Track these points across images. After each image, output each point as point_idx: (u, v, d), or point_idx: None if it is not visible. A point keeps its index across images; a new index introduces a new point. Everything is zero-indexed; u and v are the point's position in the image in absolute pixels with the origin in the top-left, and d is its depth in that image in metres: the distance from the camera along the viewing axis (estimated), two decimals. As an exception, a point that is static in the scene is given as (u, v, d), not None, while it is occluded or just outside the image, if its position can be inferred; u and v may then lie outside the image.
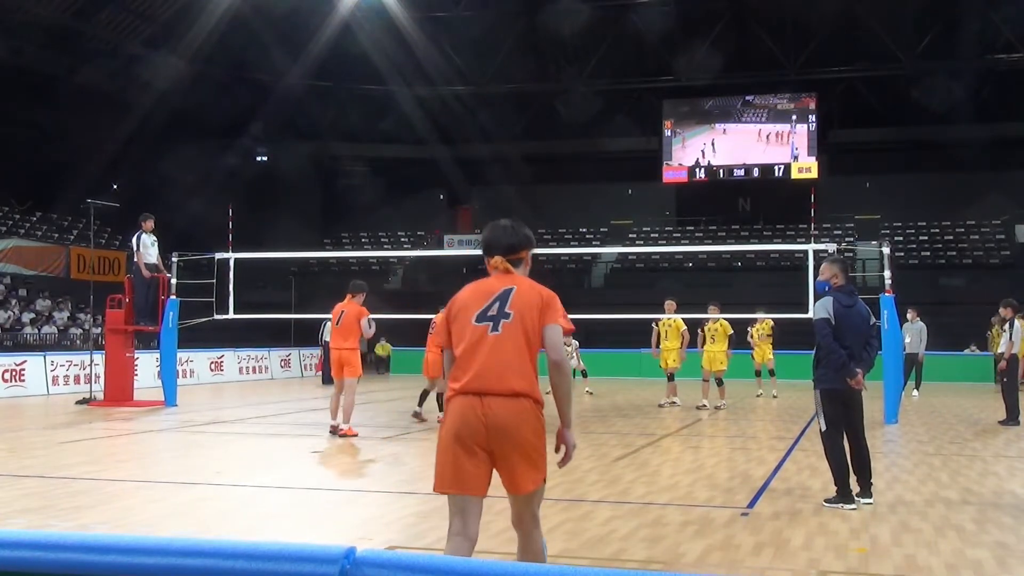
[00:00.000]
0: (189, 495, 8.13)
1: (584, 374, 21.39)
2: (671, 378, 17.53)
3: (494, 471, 4.19)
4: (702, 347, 17.44)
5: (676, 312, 17.29)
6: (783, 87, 37.79)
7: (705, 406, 16.85)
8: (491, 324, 4.17)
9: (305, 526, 7.03)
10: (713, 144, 38.89)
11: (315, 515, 7.55)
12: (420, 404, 14.58)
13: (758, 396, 19.72)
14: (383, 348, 31.50)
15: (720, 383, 17.26)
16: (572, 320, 4.53)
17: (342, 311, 12.37)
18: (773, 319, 19.47)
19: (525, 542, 4.31)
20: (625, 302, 26.69)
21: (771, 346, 19.65)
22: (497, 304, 4.21)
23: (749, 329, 19.72)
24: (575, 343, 21.51)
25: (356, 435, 12.20)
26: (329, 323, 14.30)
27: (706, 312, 17.42)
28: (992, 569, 5.68)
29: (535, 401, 4.18)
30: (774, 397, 19.34)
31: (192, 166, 33.72)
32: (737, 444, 12.37)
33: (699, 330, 17.77)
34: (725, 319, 17.38)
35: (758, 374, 20.18)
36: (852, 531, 6.70)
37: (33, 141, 31.71)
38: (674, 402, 17.51)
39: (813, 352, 7.74)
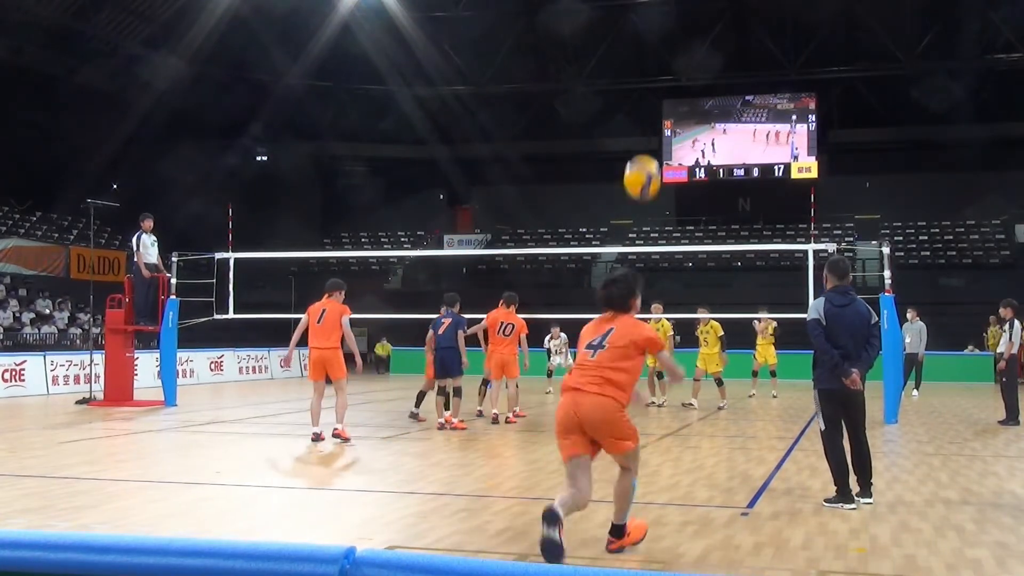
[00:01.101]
0: (189, 495, 8.13)
1: None
2: (660, 376, 17.48)
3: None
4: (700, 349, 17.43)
5: (663, 313, 17.25)
6: (783, 87, 37.76)
7: (692, 404, 16.84)
8: (592, 352, 5.86)
9: (305, 526, 7.02)
10: (713, 144, 38.87)
11: (315, 515, 7.55)
12: (417, 405, 14.45)
13: (750, 396, 19.57)
14: (383, 348, 31.50)
15: (720, 383, 17.23)
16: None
17: (323, 309, 11.78)
18: (775, 319, 19.38)
19: (620, 479, 5.94)
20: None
21: (774, 346, 19.59)
22: (599, 338, 5.89)
23: (756, 324, 19.59)
24: (563, 337, 21.44)
25: (349, 439, 11.69)
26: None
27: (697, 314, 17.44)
28: (992, 569, 5.69)
29: (616, 400, 5.74)
30: (774, 397, 19.31)
31: (192, 166, 33.70)
32: (737, 444, 12.37)
33: (695, 332, 17.77)
34: (718, 320, 17.36)
35: (755, 374, 20.11)
36: (852, 531, 6.70)
37: (33, 141, 31.70)
38: (656, 402, 17.34)
39: (812, 352, 7.77)
